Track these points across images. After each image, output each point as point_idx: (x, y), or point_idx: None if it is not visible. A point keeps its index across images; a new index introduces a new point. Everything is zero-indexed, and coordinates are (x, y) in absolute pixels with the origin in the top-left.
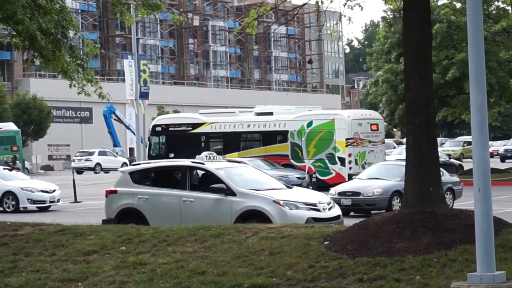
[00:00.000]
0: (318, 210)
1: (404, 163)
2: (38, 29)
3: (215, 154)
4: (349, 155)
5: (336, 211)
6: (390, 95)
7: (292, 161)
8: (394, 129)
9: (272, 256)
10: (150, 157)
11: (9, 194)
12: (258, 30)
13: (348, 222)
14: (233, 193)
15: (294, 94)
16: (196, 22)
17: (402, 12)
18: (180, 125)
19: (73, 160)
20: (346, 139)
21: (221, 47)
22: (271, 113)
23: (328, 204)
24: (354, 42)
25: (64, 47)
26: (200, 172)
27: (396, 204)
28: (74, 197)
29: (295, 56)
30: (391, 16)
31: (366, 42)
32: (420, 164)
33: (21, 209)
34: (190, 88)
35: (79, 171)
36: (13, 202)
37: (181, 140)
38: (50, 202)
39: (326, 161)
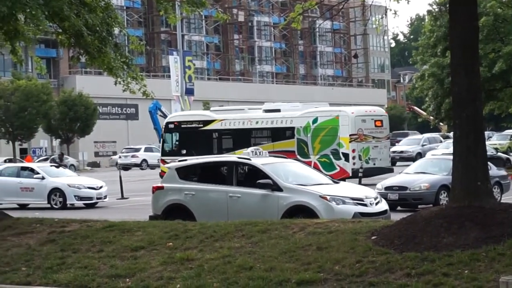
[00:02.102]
0: (365, 205)
1: (451, 157)
2: (84, 26)
3: (261, 149)
4: (353, 150)
5: (383, 205)
6: (436, 89)
7: (298, 156)
8: (441, 123)
9: (319, 251)
10: (164, 153)
11: (56, 191)
12: (303, 25)
13: (395, 216)
14: (279, 189)
15: (340, 89)
16: (241, 18)
17: (448, 6)
18: (191, 122)
19: (120, 157)
20: (350, 135)
21: (266, 43)
22: (278, 110)
23: (375, 198)
24: (400, 36)
25: (109, 44)
26: (246, 168)
27: (443, 198)
28: (120, 193)
29: (340, 51)
30: (437, 10)
31: (411, 36)
32: (467, 158)
33: (68, 205)
34: (236, 83)
35: (126, 167)
36: (60, 199)
37: (193, 136)
38: (97, 198)
39: (331, 156)
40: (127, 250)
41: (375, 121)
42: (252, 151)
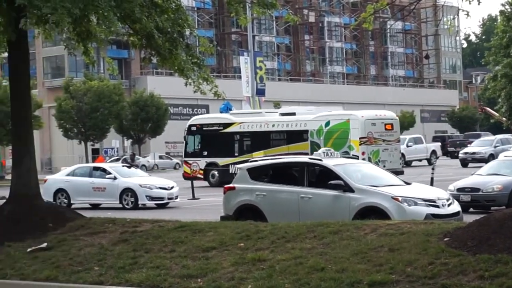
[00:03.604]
0: (437, 206)
1: None
2: (155, 27)
3: (332, 150)
4: (363, 153)
5: (456, 207)
6: (509, 90)
7: None
8: None
9: (391, 252)
10: (186, 155)
11: (128, 191)
12: (374, 26)
13: (468, 218)
14: (351, 190)
15: (411, 90)
16: (311, 19)
17: None
18: (212, 125)
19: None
20: (360, 138)
21: (337, 43)
22: (293, 114)
23: (448, 200)
24: (472, 37)
25: (181, 45)
26: (317, 169)
27: None
28: (192, 193)
29: (411, 51)
30: (509, 10)
31: (483, 37)
32: None
33: (139, 206)
34: (306, 84)
35: None
36: (132, 199)
37: (214, 139)
38: (168, 199)
39: None
40: (198, 250)
41: (385, 124)
42: (324, 152)
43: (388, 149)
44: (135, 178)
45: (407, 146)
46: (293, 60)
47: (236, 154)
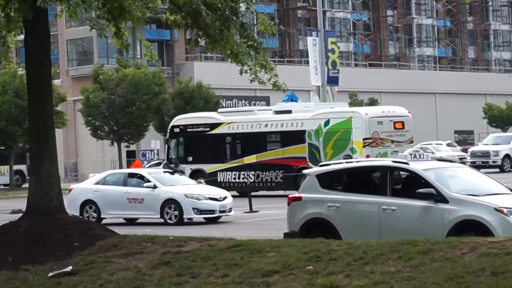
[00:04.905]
0: None
1: None
2: (203, 3)
3: (421, 151)
4: (367, 156)
5: None
6: None
7: (310, 163)
8: None
9: (494, 277)
10: (169, 161)
11: (171, 202)
12: None
13: None
14: (444, 200)
15: None
16: None
17: None
18: (198, 125)
19: None
20: (364, 139)
21: (426, 20)
22: (289, 111)
23: None
24: None
25: (234, 25)
26: (403, 174)
27: None
28: (249, 205)
29: None
30: None
31: None
32: None
33: (185, 220)
34: (389, 70)
35: None
36: (176, 212)
37: (199, 142)
38: (220, 211)
39: None
40: (257, 275)
41: (395, 123)
42: (411, 154)
43: (398, 151)
44: (180, 187)
45: None
46: (372, 41)
47: (226, 160)
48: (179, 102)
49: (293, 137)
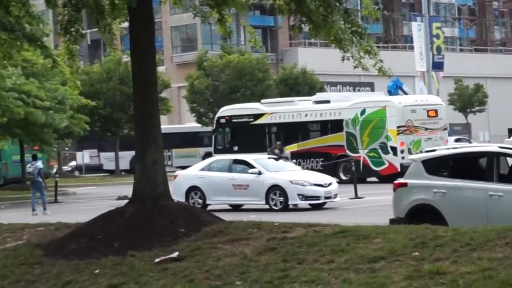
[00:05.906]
0: None
1: None
2: None
3: None
4: (401, 143)
5: None
6: None
7: (347, 151)
8: None
9: None
10: (216, 151)
11: (276, 188)
12: None
13: None
14: None
15: None
16: None
17: None
18: (242, 116)
19: None
20: (398, 127)
21: None
22: (328, 101)
23: None
24: None
25: (338, 10)
26: (510, 160)
27: None
28: (354, 191)
29: None
30: None
31: None
32: None
33: (290, 206)
34: (495, 55)
35: None
36: (281, 199)
37: (244, 132)
38: (326, 198)
39: (379, 150)
40: (363, 261)
41: (428, 111)
42: None
43: (432, 138)
44: (284, 173)
45: None
46: (478, 26)
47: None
48: (283, 89)
49: (332, 126)
